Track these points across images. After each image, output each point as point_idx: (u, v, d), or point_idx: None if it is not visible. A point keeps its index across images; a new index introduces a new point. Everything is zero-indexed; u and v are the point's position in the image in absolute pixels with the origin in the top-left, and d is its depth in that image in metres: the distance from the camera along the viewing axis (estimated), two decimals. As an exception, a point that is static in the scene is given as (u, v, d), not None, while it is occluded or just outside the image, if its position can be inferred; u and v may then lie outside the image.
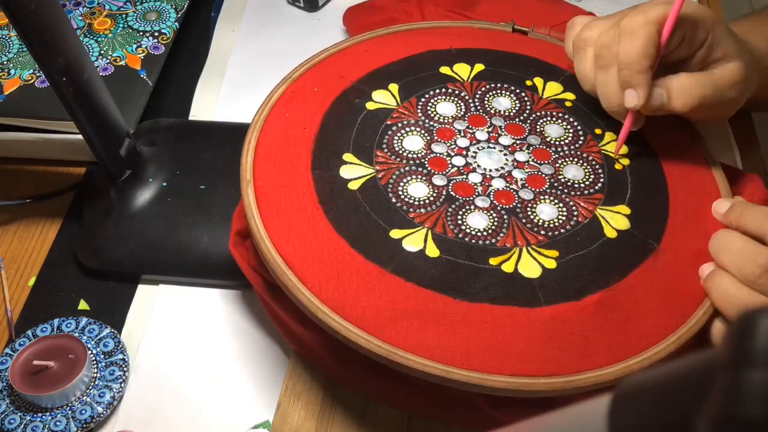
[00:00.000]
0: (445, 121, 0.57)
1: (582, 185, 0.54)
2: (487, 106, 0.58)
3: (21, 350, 0.55)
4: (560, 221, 0.52)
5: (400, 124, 0.56)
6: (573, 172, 0.55)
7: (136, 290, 0.62)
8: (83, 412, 0.54)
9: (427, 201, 0.52)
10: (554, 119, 0.58)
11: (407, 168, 0.54)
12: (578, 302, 0.48)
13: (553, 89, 0.60)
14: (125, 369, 0.56)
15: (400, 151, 0.55)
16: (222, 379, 0.57)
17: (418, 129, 0.56)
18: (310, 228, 0.50)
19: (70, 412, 0.54)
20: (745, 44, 0.58)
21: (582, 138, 0.57)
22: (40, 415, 0.54)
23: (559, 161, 0.55)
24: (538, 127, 0.57)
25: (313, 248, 0.49)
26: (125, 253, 0.62)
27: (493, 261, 0.49)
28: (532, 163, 0.55)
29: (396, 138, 0.56)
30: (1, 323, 0.61)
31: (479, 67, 0.61)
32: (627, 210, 0.53)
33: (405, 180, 0.53)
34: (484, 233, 0.50)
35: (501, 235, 0.50)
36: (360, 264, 0.48)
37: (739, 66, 0.54)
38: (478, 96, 0.59)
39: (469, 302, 0.47)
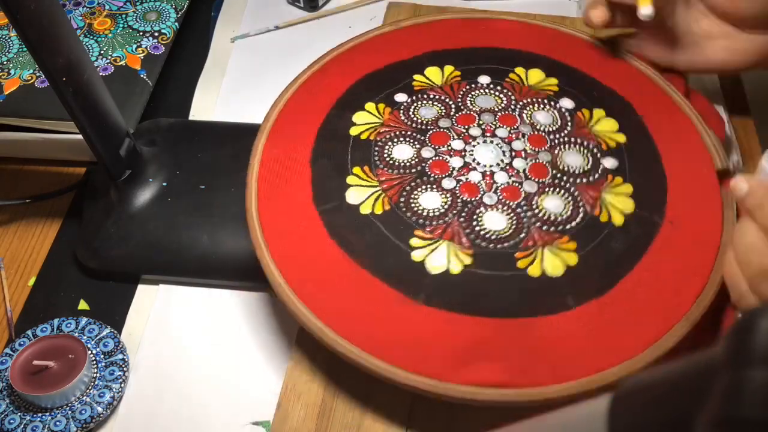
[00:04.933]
0: (435, 125, 0.57)
1: (581, 171, 0.54)
2: (471, 105, 0.59)
3: (21, 350, 0.55)
4: (567, 213, 0.52)
5: (387, 137, 0.57)
6: (572, 158, 0.55)
7: (136, 290, 0.62)
8: (83, 412, 0.54)
9: (440, 212, 0.52)
10: (540, 106, 0.59)
11: (414, 180, 0.54)
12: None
13: (536, 77, 0.61)
14: (125, 369, 0.56)
15: (396, 163, 0.55)
16: (222, 379, 0.57)
17: (408, 139, 0.57)
18: (351, 285, 0.50)
19: (70, 412, 0.54)
20: None
21: (570, 122, 0.57)
22: (40, 415, 0.54)
23: (556, 149, 0.56)
24: (525, 116, 0.58)
25: (354, 309, 0.49)
26: (125, 253, 0.62)
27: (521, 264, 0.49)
28: (529, 151, 0.55)
29: (386, 150, 0.56)
30: (1, 323, 0.61)
31: (449, 69, 0.61)
32: (630, 188, 0.53)
33: (415, 192, 0.53)
34: (504, 235, 0.51)
35: (522, 234, 0.51)
36: (395, 302, 0.49)
37: None
38: (460, 97, 0.59)
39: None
